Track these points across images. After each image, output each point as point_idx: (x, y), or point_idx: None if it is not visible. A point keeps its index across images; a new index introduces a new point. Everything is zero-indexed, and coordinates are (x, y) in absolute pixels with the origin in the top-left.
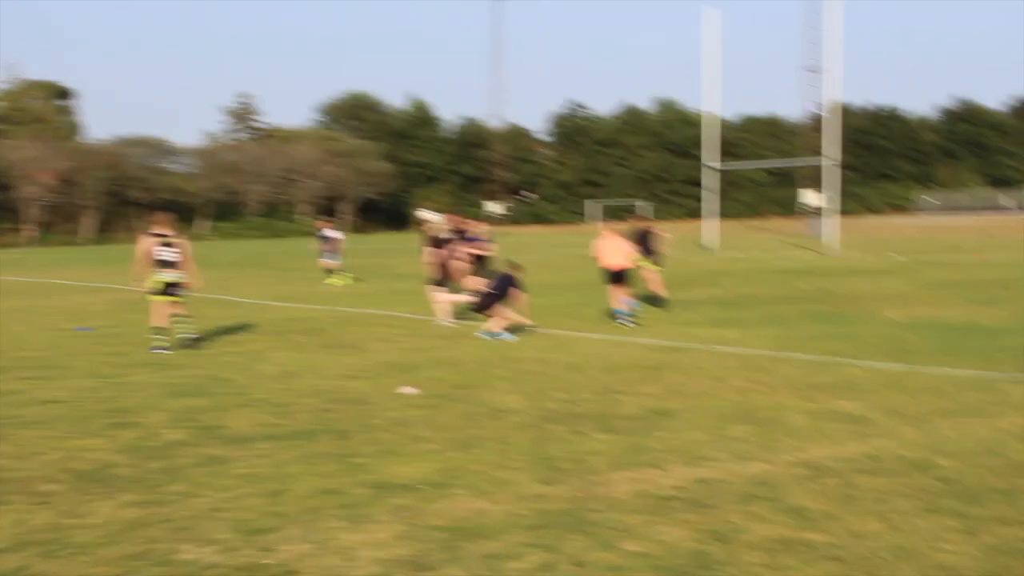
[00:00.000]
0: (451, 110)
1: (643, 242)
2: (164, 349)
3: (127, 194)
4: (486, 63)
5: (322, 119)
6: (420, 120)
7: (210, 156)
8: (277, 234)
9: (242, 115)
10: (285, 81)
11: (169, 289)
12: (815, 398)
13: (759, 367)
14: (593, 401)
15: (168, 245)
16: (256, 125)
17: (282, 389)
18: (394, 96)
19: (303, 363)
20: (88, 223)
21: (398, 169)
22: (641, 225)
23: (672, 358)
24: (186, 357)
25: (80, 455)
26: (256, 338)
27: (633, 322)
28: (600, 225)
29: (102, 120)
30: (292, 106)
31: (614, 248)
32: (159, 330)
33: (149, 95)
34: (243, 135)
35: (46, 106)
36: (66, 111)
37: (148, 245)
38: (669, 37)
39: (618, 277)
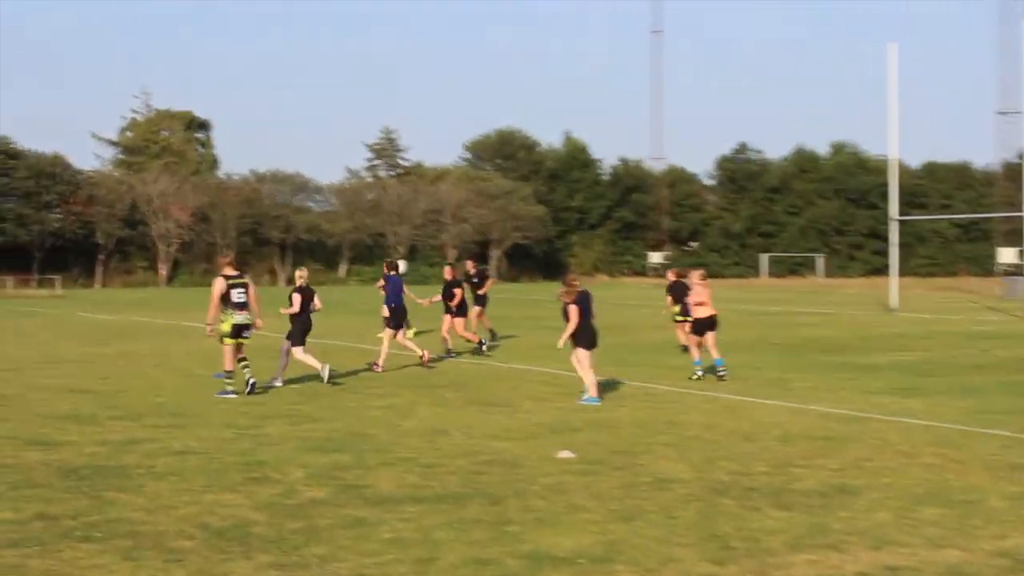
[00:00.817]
0: (608, 150)
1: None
2: (232, 393)
3: (264, 233)
4: (646, 101)
5: (470, 157)
6: (575, 160)
7: (351, 194)
8: (420, 280)
9: (385, 151)
10: (430, 116)
11: (242, 332)
12: (1016, 480)
13: (951, 443)
14: (767, 474)
15: (240, 286)
16: (399, 162)
17: (429, 448)
18: (547, 134)
19: (450, 420)
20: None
21: (550, 213)
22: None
23: (854, 429)
24: (325, 409)
25: (215, 511)
26: (399, 391)
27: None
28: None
29: (237, 154)
30: (438, 143)
31: (705, 295)
32: (229, 374)
33: (287, 128)
34: (386, 173)
35: (181, 137)
36: (201, 143)
37: (222, 287)
38: (846, 75)
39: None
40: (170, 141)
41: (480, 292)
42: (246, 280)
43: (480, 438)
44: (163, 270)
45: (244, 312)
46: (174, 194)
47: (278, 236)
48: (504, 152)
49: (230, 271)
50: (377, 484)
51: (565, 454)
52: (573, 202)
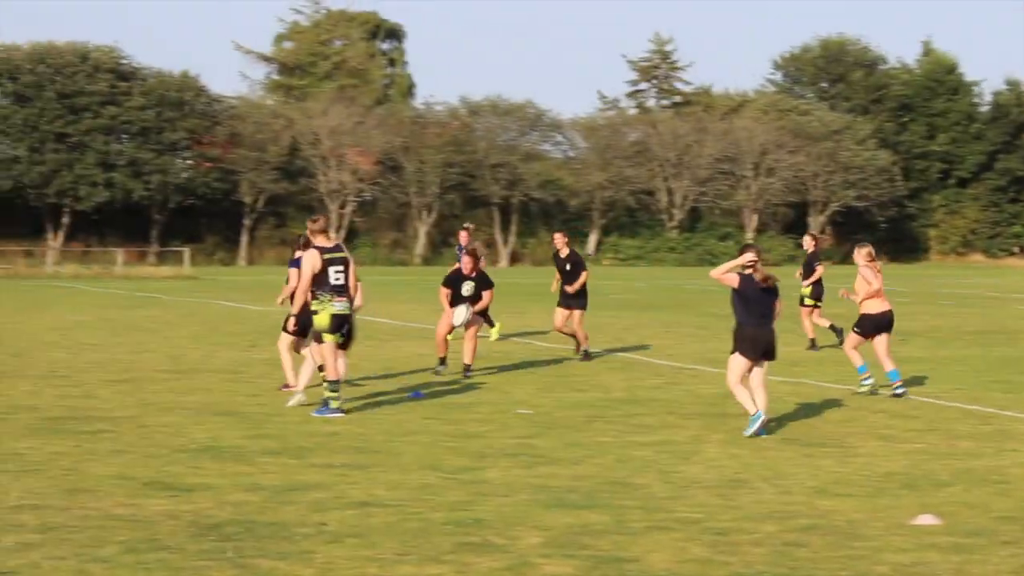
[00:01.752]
0: (989, 70)
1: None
2: (338, 412)
3: (478, 188)
4: None
5: (780, 79)
6: (939, 85)
7: (605, 134)
8: (706, 259)
9: (655, 71)
10: (721, 19)
11: (343, 326)
12: None
13: None
14: None
15: (339, 263)
16: (676, 87)
17: (722, 506)
18: (896, 45)
19: (754, 466)
20: (420, 231)
21: (900, 162)
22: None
23: None
24: (568, 446)
25: None
26: (679, 422)
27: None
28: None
29: (440, 74)
30: (733, 58)
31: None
32: (335, 384)
33: (511, 37)
34: (656, 102)
35: (361, 51)
36: (390, 59)
37: (316, 263)
38: None
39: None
40: (346, 56)
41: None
42: (346, 254)
43: (797, 492)
44: (334, 240)
45: (343, 299)
46: (351, 132)
47: (499, 194)
48: (831, 72)
49: (324, 241)
50: (646, 557)
51: (926, 520)
52: (934, 146)
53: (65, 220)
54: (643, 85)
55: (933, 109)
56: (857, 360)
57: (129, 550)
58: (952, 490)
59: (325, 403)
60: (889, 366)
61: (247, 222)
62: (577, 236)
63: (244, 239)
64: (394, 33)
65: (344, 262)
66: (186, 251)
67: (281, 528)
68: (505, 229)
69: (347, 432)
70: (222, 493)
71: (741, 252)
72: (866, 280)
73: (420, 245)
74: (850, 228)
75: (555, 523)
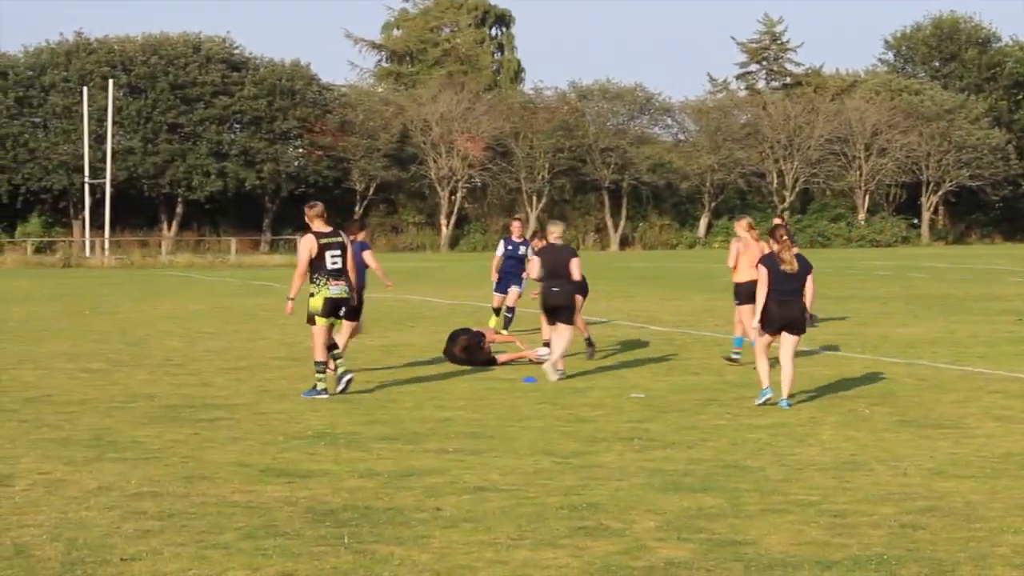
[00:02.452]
0: None
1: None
2: (323, 393)
3: (588, 173)
4: None
5: (892, 59)
6: None
7: (716, 116)
8: (818, 240)
9: (766, 52)
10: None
11: (338, 309)
12: None
13: None
14: None
15: (335, 247)
16: (787, 68)
17: (838, 488)
18: (1011, 23)
19: (870, 448)
20: (531, 216)
21: (1014, 140)
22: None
23: None
24: (682, 430)
25: (531, 574)
26: (796, 405)
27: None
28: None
29: (549, 59)
30: (844, 38)
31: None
32: (321, 366)
33: (620, 21)
34: (766, 84)
35: (470, 37)
36: (499, 45)
37: (312, 247)
38: None
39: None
40: (456, 43)
41: None
42: (342, 239)
43: (916, 475)
44: (446, 226)
45: (340, 282)
46: (461, 118)
47: (609, 178)
48: (944, 51)
49: (321, 226)
50: (763, 540)
51: None
52: None
53: (179, 210)
54: (753, 67)
55: None
56: (739, 332)
57: (247, 536)
58: None
59: (314, 385)
60: (738, 332)
61: (358, 209)
62: (688, 219)
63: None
64: (502, 19)
65: (341, 247)
66: (298, 239)
67: (397, 513)
68: (615, 213)
69: (461, 418)
70: (338, 479)
71: (772, 232)
72: (738, 251)
73: (531, 230)
74: (964, 208)
75: (670, 507)
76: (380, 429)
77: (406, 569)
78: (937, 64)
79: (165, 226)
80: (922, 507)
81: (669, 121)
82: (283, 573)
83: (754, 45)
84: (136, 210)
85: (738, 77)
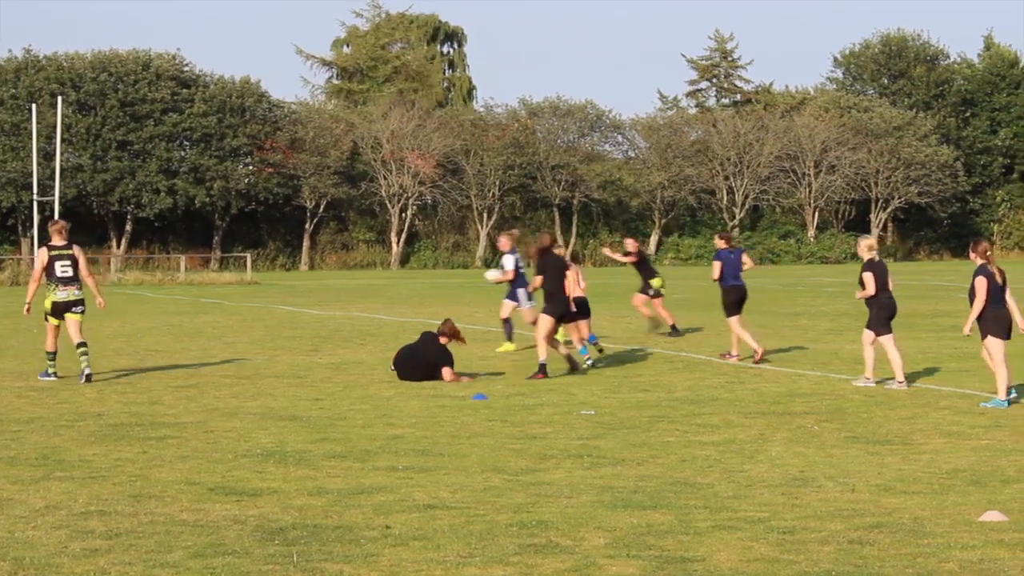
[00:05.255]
0: None
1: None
2: (53, 375)
3: (539, 190)
4: None
5: (840, 76)
6: (1002, 79)
7: (666, 133)
8: (768, 257)
9: (715, 69)
10: (779, 14)
11: (67, 309)
12: None
13: None
14: None
15: (65, 257)
16: (737, 85)
17: (787, 504)
18: (957, 40)
19: (818, 464)
20: (481, 233)
21: (962, 157)
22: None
23: None
24: (631, 446)
25: None
26: (743, 420)
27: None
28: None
29: (499, 76)
30: (792, 55)
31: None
32: (52, 355)
33: (570, 37)
34: (716, 101)
35: (421, 54)
36: (450, 62)
37: (44, 258)
38: None
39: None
40: (406, 60)
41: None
42: (73, 251)
43: (864, 491)
44: (396, 244)
45: (69, 287)
46: (412, 135)
47: (559, 195)
48: (892, 68)
49: (57, 240)
50: (712, 557)
51: (993, 516)
52: (997, 140)
53: (128, 227)
54: (703, 84)
55: (995, 104)
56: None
57: (195, 555)
58: (1020, 486)
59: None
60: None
61: (308, 227)
62: (638, 235)
63: (306, 244)
64: (454, 36)
65: (72, 258)
66: (248, 256)
67: (346, 531)
68: (566, 230)
69: (411, 435)
70: (287, 497)
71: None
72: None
73: (481, 247)
74: (913, 225)
75: (620, 523)
76: (330, 447)
77: None
78: (886, 81)
79: (114, 243)
80: (870, 523)
81: (619, 138)
82: None
83: (704, 62)
84: (85, 227)
85: (688, 94)
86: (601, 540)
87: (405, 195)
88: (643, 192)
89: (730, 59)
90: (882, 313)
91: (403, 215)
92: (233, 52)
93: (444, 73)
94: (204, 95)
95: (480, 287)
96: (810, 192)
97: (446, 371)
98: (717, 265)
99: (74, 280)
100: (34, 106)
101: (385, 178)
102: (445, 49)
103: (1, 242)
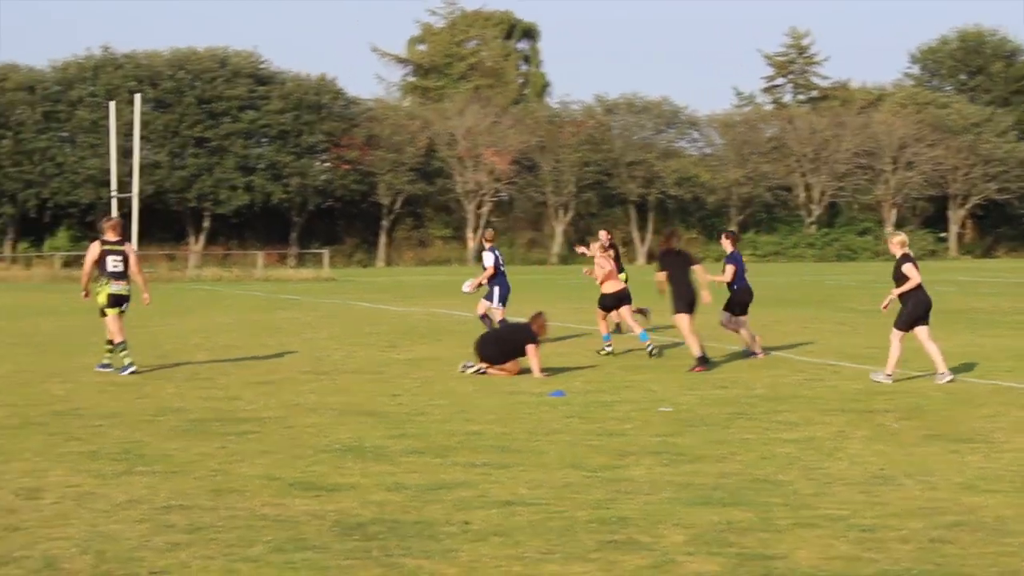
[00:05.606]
0: None
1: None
2: (109, 367)
3: (614, 187)
4: None
5: (918, 72)
6: None
7: (742, 130)
8: (845, 254)
9: (792, 66)
10: (858, 12)
11: (120, 303)
12: None
13: None
14: None
15: (117, 253)
16: (813, 82)
17: (867, 502)
18: None
19: (899, 462)
20: (557, 230)
21: None
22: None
23: None
24: (709, 444)
25: None
26: (823, 418)
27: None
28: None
29: (575, 73)
30: (870, 51)
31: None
32: (116, 345)
33: (646, 34)
34: (793, 97)
35: (497, 51)
36: (525, 58)
37: (96, 252)
38: None
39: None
40: (482, 56)
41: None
42: (125, 248)
43: (945, 489)
44: (472, 240)
45: (120, 281)
46: (487, 132)
47: (635, 192)
48: (969, 64)
49: (111, 236)
50: (792, 554)
51: None
52: None
53: (206, 224)
54: (780, 80)
55: None
56: (603, 329)
57: (276, 549)
58: None
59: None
60: (637, 330)
61: (385, 223)
62: (714, 233)
63: (382, 240)
64: (529, 32)
65: (123, 253)
66: (325, 253)
67: (425, 527)
68: (642, 227)
69: (489, 431)
70: (366, 492)
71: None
72: (600, 266)
73: (557, 244)
74: (992, 221)
75: (699, 520)
76: (408, 442)
77: None
78: (963, 77)
79: (192, 240)
80: (951, 522)
81: (695, 135)
82: None
83: (781, 59)
84: (163, 224)
85: (765, 90)
86: (681, 537)
87: (481, 192)
88: (719, 189)
89: (806, 55)
90: (918, 308)
91: (479, 212)
92: (310, 50)
93: (519, 70)
94: (281, 92)
95: (556, 283)
96: (888, 189)
97: (530, 347)
98: (731, 269)
99: (124, 275)
100: (112, 103)
101: (461, 175)
102: (520, 46)
103: (81, 238)
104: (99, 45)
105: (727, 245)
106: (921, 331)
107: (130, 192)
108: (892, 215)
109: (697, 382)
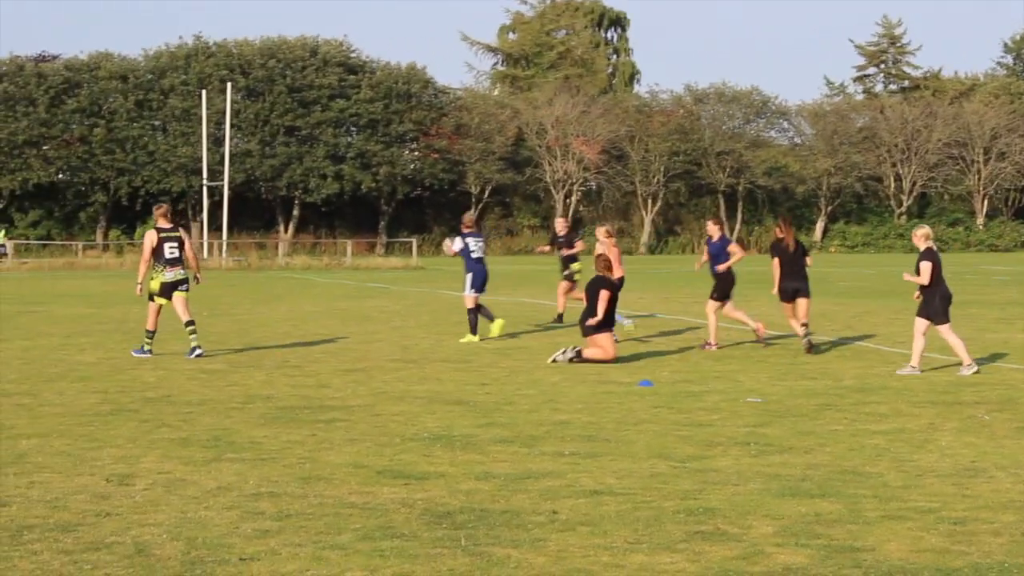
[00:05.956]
0: None
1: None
2: (148, 352)
3: (703, 176)
4: None
5: (1009, 62)
6: None
7: (832, 120)
8: (937, 245)
9: (883, 55)
10: (949, 3)
11: (173, 290)
12: None
13: None
14: None
15: (172, 239)
16: (905, 71)
17: (958, 495)
18: None
19: (989, 454)
20: (646, 219)
21: None
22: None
23: None
24: (798, 434)
25: None
26: (912, 409)
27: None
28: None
29: (664, 62)
30: (962, 41)
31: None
32: (151, 334)
33: (734, 23)
34: (884, 87)
35: (586, 40)
36: (614, 48)
37: (154, 240)
38: None
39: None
40: (571, 46)
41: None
42: (180, 234)
43: None
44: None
45: (176, 268)
46: (576, 121)
47: (724, 181)
48: None
49: (164, 223)
50: (881, 547)
51: None
52: None
53: (295, 212)
54: (871, 70)
55: None
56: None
57: (364, 537)
58: None
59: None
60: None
61: (473, 212)
62: (804, 223)
63: None
64: (618, 21)
65: (179, 240)
66: (413, 241)
67: (513, 516)
68: (731, 217)
69: (577, 421)
70: (454, 481)
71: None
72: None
73: (645, 234)
74: None
75: (787, 512)
76: (496, 431)
77: (523, 572)
78: None
79: (282, 228)
80: None
81: (785, 124)
82: (400, 574)
83: (872, 48)
84: (253, 212)
85: (856, 80)
86: (769, 528)
87: (570, 181)
88: (809, 179)
89: (898, 45)
90: (943, 303)
91: (567, 201)
92: (400, 38)
93: (608, 59)
94: (371, 81)
95: (643, 272)
96: (979, 179)
97: (603, 292)
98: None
99: (179, 261)
100: (204, 92)
101: (550, 164)
102: (609, 35)
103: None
104: (191, 34)
105: (715, 231)
106: (924, 325)
107: (221, 180)
108: (984, 206)
109: (785, 373)
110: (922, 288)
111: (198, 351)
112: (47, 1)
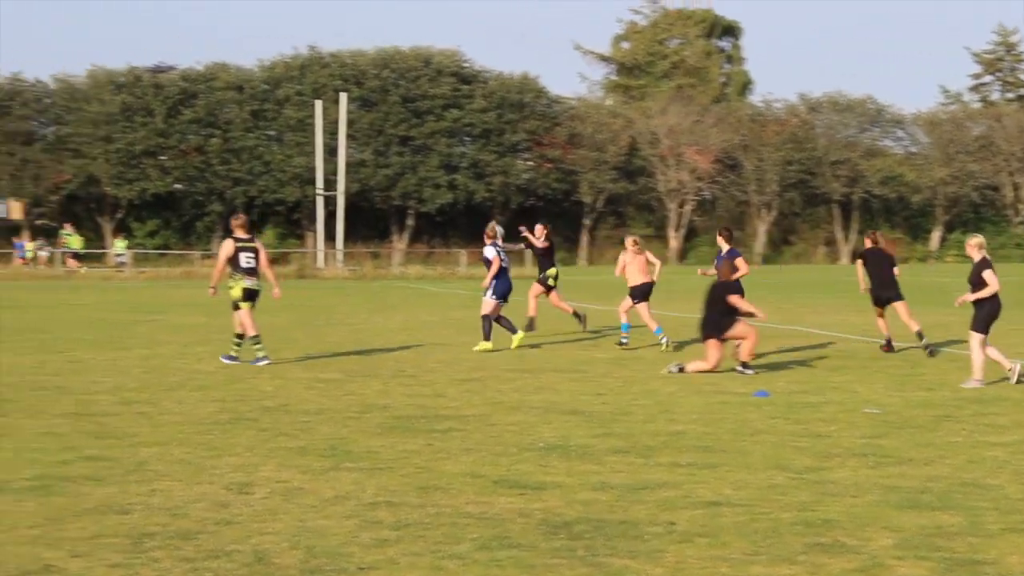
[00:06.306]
0: None
1: None
2: (264, 360)
3: (818, 186)
4: None
5: None
6: None
7: (948, 128)
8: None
9: (1000, 63)
10: None
11: (253, 298)
12: None
13: None
14: None
15: (249, 250)
16: (1021, 80)
17: None
18: None
19: None
20: (760, 229)
21: None
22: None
23: None
24: (917, 446)
25: None
26: None
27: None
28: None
29: (777, 71)
30: None
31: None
32: (256, 339)
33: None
34: (1001, 95)
35: (699, 49)
36: (728, 57)
37: (231, 249)
38: None
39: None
40: (684, 55)
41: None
42: (256, 244)
43: None
44: (674, 240)
45: (252, 277)
46: (690, 131)
47: (839, 191)
48: None
49: (241, 233)
50: (1003, 560)
51: None
52: None
53: (409, 222)
54: (987, 78)
55: None
56: (624, 319)
57: (482, 547)
58: None
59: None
60: (653, 325)
61: (587, 222)
62: (920, 232)
63: (584, 239)
64: (731, 30)
65: (254, 250)
66: (527, 251)
67: (630, 527)
68: (846, 226)
69: (693, 431)
70: (571, 492)
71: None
72: (639, 262)
73: (760, 243)
74: None
75: (907, 524)
76: (612, 442)
77: None
78: None
79: (396, 238)
80: None
81: (900, 133)
82: None
83: (988, 56)
84: (368, 222)
85: (972, 88)
86: (889, 540)
87: (683, 190)
88: (924, 188)
89: (1015, 53)
90: (992, 315)
91: (681, 210)
92: (513, 48)
93: (721, 68)
94: (484, 91)
95: (758, 284)
96: None
97: (733, 297)
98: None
99: (255, 271)
100: (319, 102)
101: (663, 174)
102: (722, 44)
103: (287, 236)
104: (306, 45)
105: (723, 244)
106: (975, 337)
107: (336, 190)
108: None
109: (902, 384)
110: (980, 300)
111: (263, 359)
112: (165, 13)
